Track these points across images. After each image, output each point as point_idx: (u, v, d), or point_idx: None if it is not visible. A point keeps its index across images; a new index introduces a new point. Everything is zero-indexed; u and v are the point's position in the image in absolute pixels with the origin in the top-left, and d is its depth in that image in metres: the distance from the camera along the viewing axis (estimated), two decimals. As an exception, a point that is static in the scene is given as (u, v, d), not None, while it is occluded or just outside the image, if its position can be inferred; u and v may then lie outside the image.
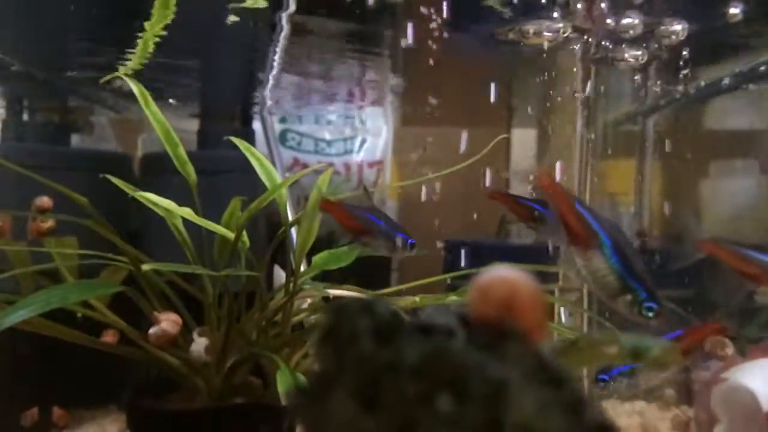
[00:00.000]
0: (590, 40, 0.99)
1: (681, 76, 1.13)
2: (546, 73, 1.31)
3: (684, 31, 0.91)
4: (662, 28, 0.90)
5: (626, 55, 1.02)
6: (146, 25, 0.96)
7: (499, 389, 0.23)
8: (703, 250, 0.79)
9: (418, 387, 0.24)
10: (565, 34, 0.95)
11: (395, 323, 0.26)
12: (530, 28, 0.97)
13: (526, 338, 0.26)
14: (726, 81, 1.13)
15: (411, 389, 0.25)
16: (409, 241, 0.88)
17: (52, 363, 1.25)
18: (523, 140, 1.90)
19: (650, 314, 0.70)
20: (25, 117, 1.45)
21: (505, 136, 1.71)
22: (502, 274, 0.26)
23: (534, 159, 1.82)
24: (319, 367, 0.27)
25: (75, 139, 1.53)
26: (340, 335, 0.26)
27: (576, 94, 1.16)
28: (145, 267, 0.73)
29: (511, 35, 1.00)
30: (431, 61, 1.30)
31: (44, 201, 0.78)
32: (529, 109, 1.47)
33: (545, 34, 0.96)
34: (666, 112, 1.32)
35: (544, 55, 1.16)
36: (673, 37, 0.90)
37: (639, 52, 1.01)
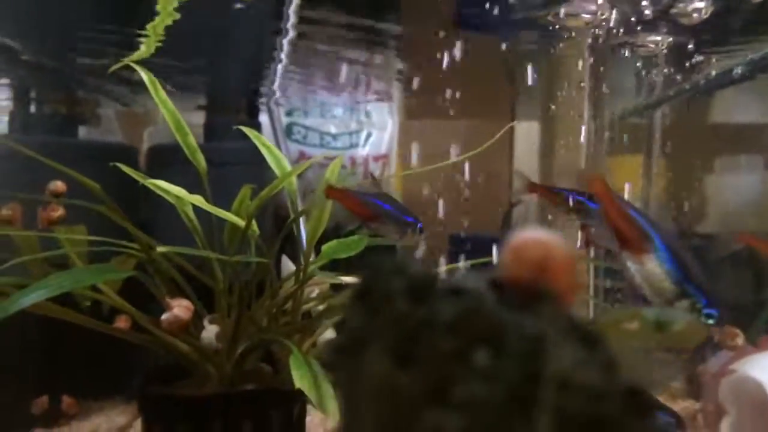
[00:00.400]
0: (603, 24, 0.97)
1: (691, 65, 1.11)
2: (551, 64, 1.30)
3: (708, 8, 0.88)
4: (682, 5, 0.87)
5: (646, 41, 0.99)
6: (157, 12, 0.96)
7: (536, 344, 0.23)
8: (742, 242, 0.79)
9: (454, 343, 0.24)
10: (603, 16, 0.93)
11: (429, 283, 0.26)
12: (567, 10, 0.94)
13: (558, 300, 0.26)
14: (738, 70, 1.11)
15: (447, 346, 0.25)
16: (419, 225, 0.88)
17: (60, 354, 1.25)
18: (526, 133, 1.89)
19: (711, 321, 0.69)
20: (33, 109, 1.46)
21: (512, 124, 1.71)
22: (536, 235, 0.26)
23: (537, 151, 1.82)
24: (352, 326, 0.27)
25: (81, 132, 1.53)
26: (374, 295, 0.26)
27: (582, 84, 1.14)
28: (160, 249, 0.73)
29: (549, 18, 0.98)
30: (435, 54, 1.29)
31: (58, 185, 0.78)
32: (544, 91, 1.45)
33: (583, 16, 0.94)
34: (674, 104, 1.31)
35: (552, 50, 1.15)
36: (695, 15, 0.88)
37: (659, 38, 0.98)
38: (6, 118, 1.49)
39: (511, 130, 1.86)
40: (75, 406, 1.04)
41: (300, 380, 0.68)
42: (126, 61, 0.99)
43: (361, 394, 0.26)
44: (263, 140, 1.02)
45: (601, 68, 1.15)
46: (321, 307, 0.98)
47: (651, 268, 0.70)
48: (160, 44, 1.10)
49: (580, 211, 0.90)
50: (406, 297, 0.26)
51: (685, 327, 0.39)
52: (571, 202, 0.91)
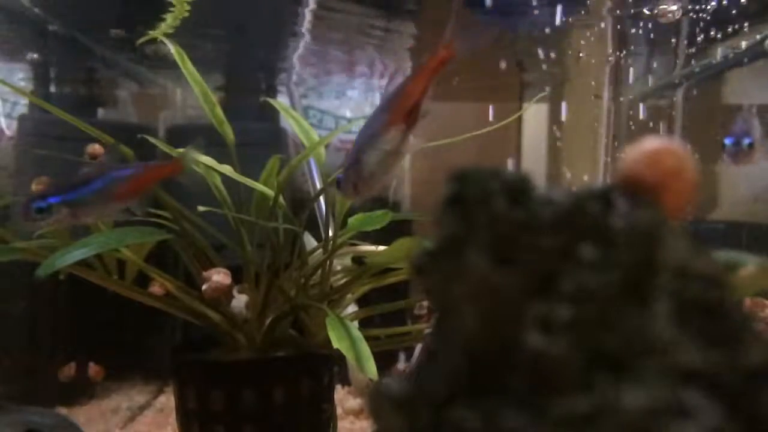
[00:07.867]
0: None
1: (715, 37, 1.07)
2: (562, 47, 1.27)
3: None
4: None
5: (662, 9, 0.97)
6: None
7: (649, 233, 0.23)
8: None
9: (558, 240, 0.24)
10: None
11: (525, 186, 0.26)
12: None
13: (668, 213, 0.26)
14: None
15: (550, 243, 0.24)
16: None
17: (81, 334, 1.26)
18: (534, 114, 1.89)
19: None
20: (53, 89, 1.46)
21: (521, 112, 1.70)
22: (672, 145, 0.26)
23: (546, 133, 1.82)
24: (444, 231, 0.27)
25: (99, 113, 1.54)
26: (468, 199, 0.26)
27: (609, 58, 1.13)
28: (201, 209, 0.73)
29: None
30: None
31: (96, 147, 0.78)
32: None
33: None
34: (697, 81, 1.28)
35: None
36: None
37: (674, 7, 0.96)
38: (25, 100, 1.50)
39: (519, 116, 1.85)
40: (101, 372, 1.05)
41: (338, 341, 0.68)
42: (154, 34, 0.99)
43: (458, 296, 0.26)
44: (291, 112, 1.02)
45: (620, 42, 1.12)
46: (344, 280, 0.98)
47: None
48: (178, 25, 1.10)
49: None
50: (503, 199, 0.26)
51: (754, 270, 0.38)
52: None
